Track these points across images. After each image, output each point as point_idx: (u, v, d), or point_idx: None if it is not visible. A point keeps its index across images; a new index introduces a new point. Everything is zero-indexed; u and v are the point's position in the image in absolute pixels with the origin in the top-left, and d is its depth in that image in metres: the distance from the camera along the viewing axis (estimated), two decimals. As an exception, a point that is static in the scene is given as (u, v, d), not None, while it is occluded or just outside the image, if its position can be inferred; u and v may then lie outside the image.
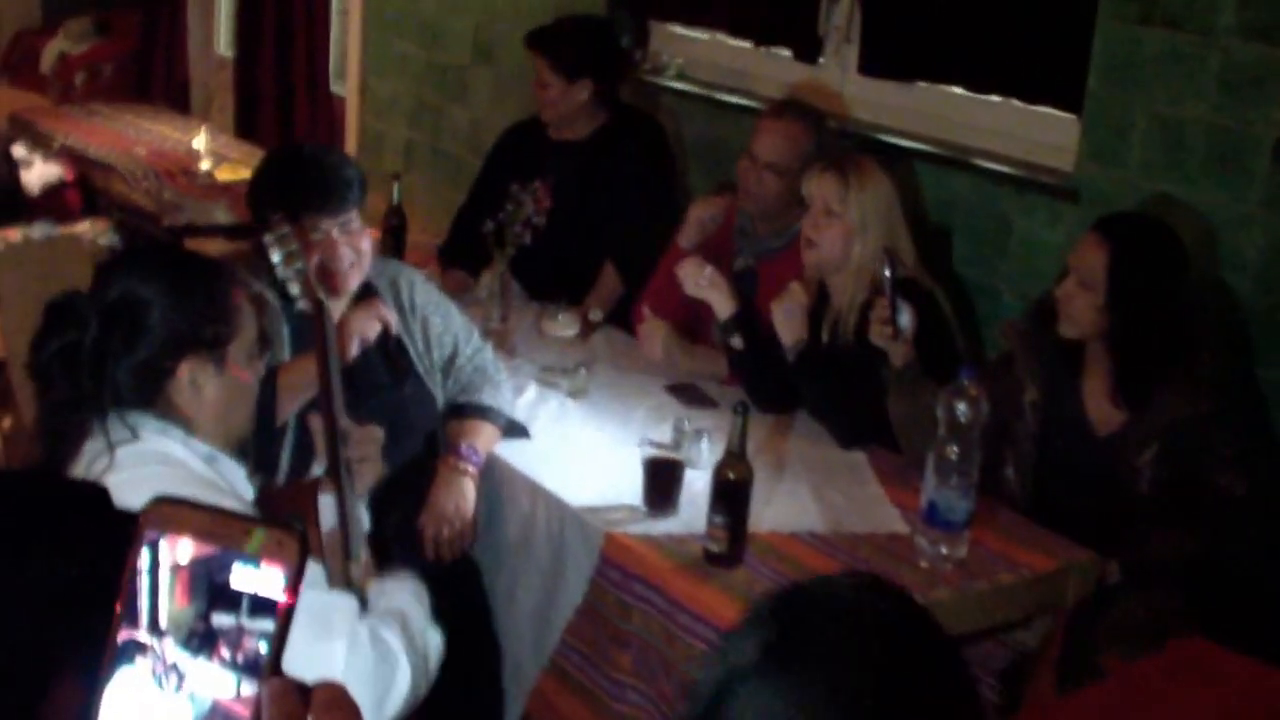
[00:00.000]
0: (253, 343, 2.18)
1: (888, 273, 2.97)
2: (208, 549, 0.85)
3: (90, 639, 0.87)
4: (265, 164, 3.12)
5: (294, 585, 0.83)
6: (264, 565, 0.84)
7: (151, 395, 2.06)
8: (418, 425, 3.14)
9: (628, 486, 2.91)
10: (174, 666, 0.84)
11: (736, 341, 3.34)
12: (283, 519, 0.87)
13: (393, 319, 3.04)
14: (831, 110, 3.98)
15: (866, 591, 1.14)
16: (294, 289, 2.48)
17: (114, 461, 1.97)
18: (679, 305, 3.62)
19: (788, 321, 3.27)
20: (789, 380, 3.29)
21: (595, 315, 3.85)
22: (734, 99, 4.34)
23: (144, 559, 0.86)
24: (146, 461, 1.99)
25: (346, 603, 2.05)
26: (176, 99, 7.49)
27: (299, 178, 2.96)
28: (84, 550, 1.02)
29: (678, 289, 3.53)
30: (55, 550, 1.02)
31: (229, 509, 0.89)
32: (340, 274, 2.96)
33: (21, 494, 1.07)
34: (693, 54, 4.62)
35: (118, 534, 0.87)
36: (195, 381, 2.08)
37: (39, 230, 5.37)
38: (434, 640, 2.18)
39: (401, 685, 2.06)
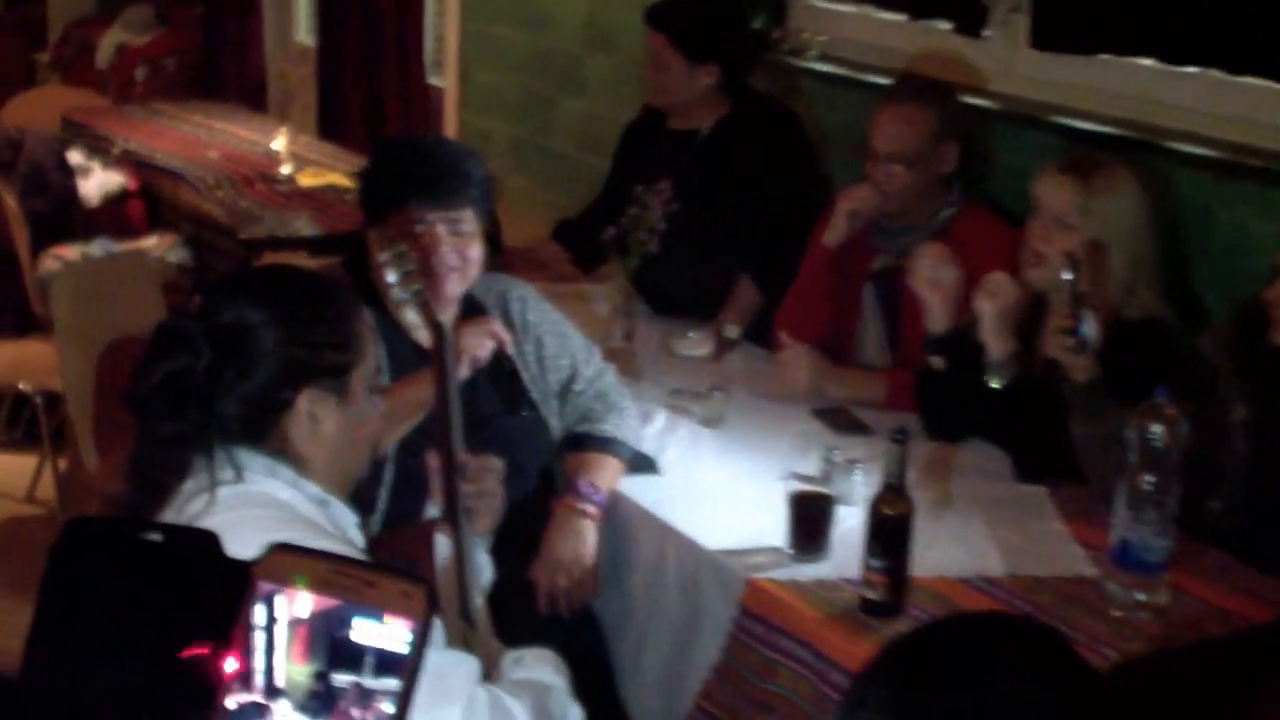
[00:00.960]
0: (373, 373, 2.26)
1: (1067, 276, 2.99)
2: (328, 602, 0.89)
3: (200, 702, 0.92)
4: (379, 150, 3.26)
5: (421, 641, 0.87)
6: (388, 619, 0.88)
7: (264, 430, 2.13)
8: (531, 460, 3.20)
9: (771, 526, 2.95)
10: None
11: (938, 361, 3.35)
12: (404, 568, 0.91)
13: (508, 338, 3.11)
14: (998, 89, 4.01)
15: (1011, 634, 1.16)
16: (410, 314, 2.56)
17: (213, 503, 2.04)
18: (822, 322, 3.67)
19: (999, 327, 3.22)
20: (979, 404, 3.30)
21: (731, 332, 3.91)
22: (885, 80, 4.37)
23: (259, 614, 0.91)
24: (249, 504, 2.05)
25: (465, 664, 2.10)
26: (251, 96, 7.67)
27: (411, 160, 3.08)
28: (193, 604, 1.05)
29: (819, 304, 3.58)
30: (165, 604, 1.06)
31: (350, 558, 0.92)
32: (440, 277, 2.98)
33: (124, 542, 1.11)
34: (838, 31, 4.67)
35: (230, 585, 0.92)
36: (314, 415, 2.15)
37: (99, 247, 5.55)
38: (574, 717, 2.23)
39: None
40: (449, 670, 2.05)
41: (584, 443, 3.24)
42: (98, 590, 1.00)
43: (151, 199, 6.17)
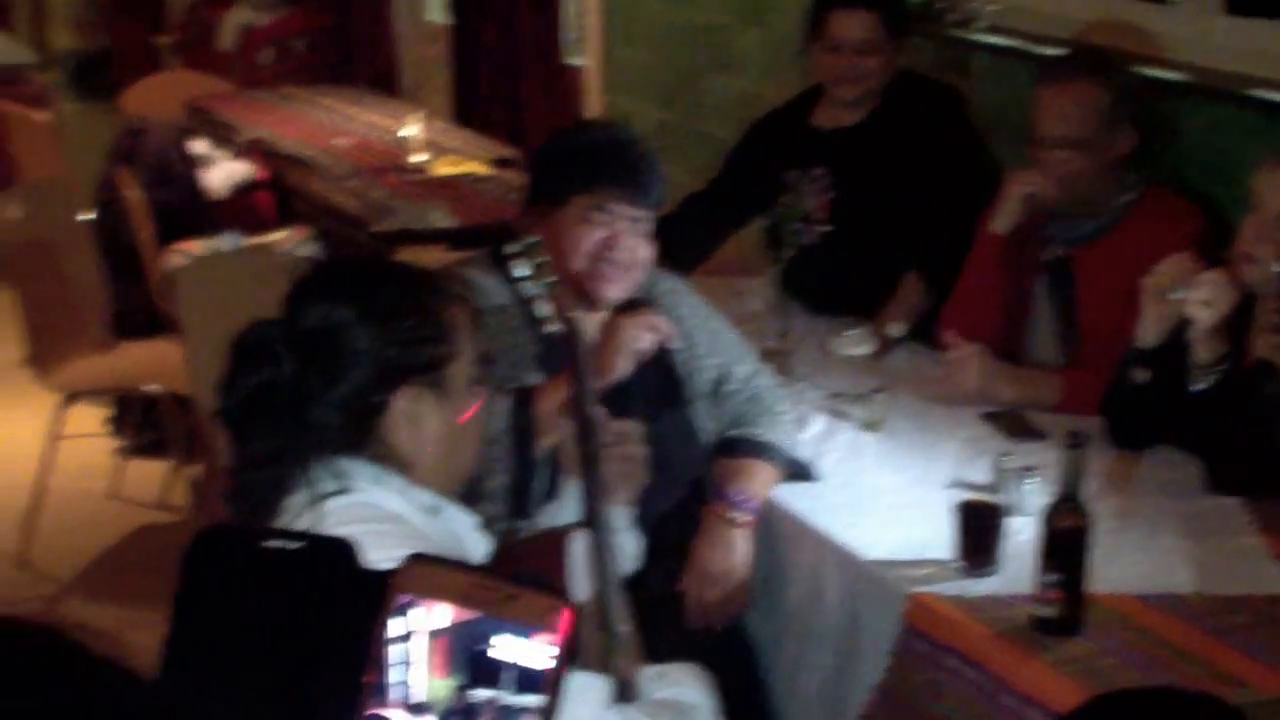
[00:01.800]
0: (474, 364, 2.24)
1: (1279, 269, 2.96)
2: (467, 615, 0.92)
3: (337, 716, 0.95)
4: (565, 130, 3.33)
5: (565, 657, 0.91)
6: (531, 634, 0.91)
7: (363, 436, 2.13)
8: (680, 465, 3.22)
9: (936, 537, 2.97)
10: None
11: (1142, 375, 3.28)
12: (545, 581, 0.93)
13: (670, 330, 3.12)
14: (1186, 60, 3.97)
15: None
16: (542, 308, 2.61)
17: (321, 517, 2.04)
18: (991, 318, 3.67)
19: (1213, 332, 3.13)
20: (1174, 410, 3.26)
21: (895, 330, 3.93)
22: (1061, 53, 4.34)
23: (396, 626, 0.94)
24: (360, 518, 2.05)
25: (593, 687, 2.10)
26: (381, 79, 7.79)
27: (610, 145, 3.14)
28: (328, 615, 1.09)
29: (988, 298, 3.57)
30: (299, 614, 1.09)
31: (490, 569, 0.95)
32: (609, 274, 3.07)
33: (258, 550, 1.15)
34: (1009, 0, 4.65)
35: (366, 597, 0.96)
36: (413, 415, 2.15)
37: (226, 241, 5.70)
38: None
39: None
40: (575, 694, 2.06)
41: (736, 448, 3.26)
42: (230, 600, 1.04)
43: (281, 190, 6.29)
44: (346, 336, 2.11)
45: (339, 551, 1.03)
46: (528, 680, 0.91)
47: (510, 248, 2.63)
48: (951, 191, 4.14)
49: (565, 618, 0.90)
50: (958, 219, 4.00)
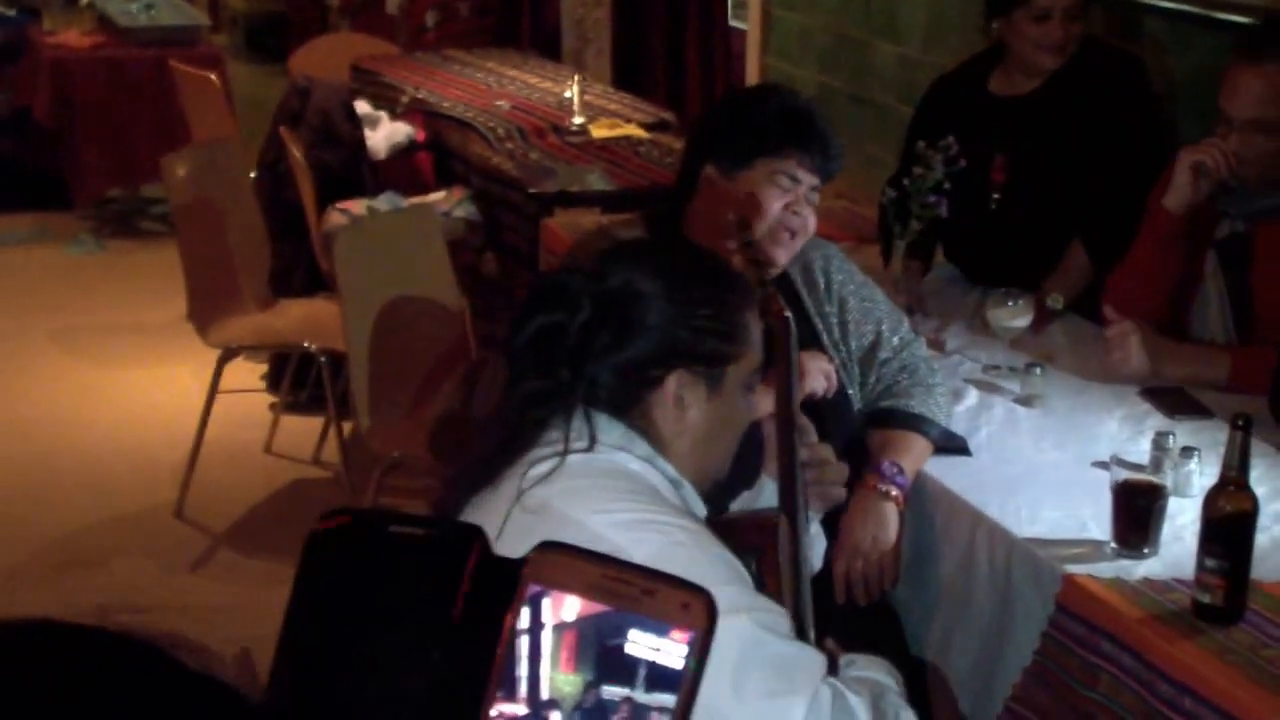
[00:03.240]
0: (753, 371, 2.30)
1: None
2: (599, 607, 0.89)
3: (462, 712, 0.92)
4: (744, 92, 3.34)
5: (701, 655, 0.86)
6: (666, 629, 0.87)
7: (629, 403, 2.20)
8: (832, 434, 3.19)
9: (1094, 517, 2.91)
10: None
11: None
12: (690, 584, 0.89)
13: (835, 382, 3.16)
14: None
15: None
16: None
17: (561, 467, 2.11)
18: (1158, 294, 3.57)
19: None
20: None
21: (1055, 302, 3.83)
22: (1245, 19, 4.20)
23: (524, 617, 0.91)
24: (599, 472, 2.13)
25: (813, 657, 2.11)
26: (545, 42, 7.82)
27: (798, 113, 3.17)
28: (453, 604, 1.06)
29: (1156, 274, 3.47)
30: (424, 604, 1.06)
31: (626, 562, 0.91)
32: (784, 241, 3.11)
33: (382, 537, 1.11)
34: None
35: (497, 586, 0.92)
36: (682, 399, 2.21)
37: (385, 201, 5.73)
38: None
39: None
40: (797, 662, 2.06)
41: (888, 419, 3.22)
42: (351, 589, 1.01)
43: (440, 151, 6.31)
44: (644, 307, 2.18)
45: (471, 537, 0.99)
46: (661, 677, 0.87)
47: (730, 244, 2.66)
48: (1124, 160, 4.03)
49: (701, 613, 0.86)
50: (1128, 191, 3.89)
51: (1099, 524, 2.88)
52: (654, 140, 5.95)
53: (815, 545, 2.62)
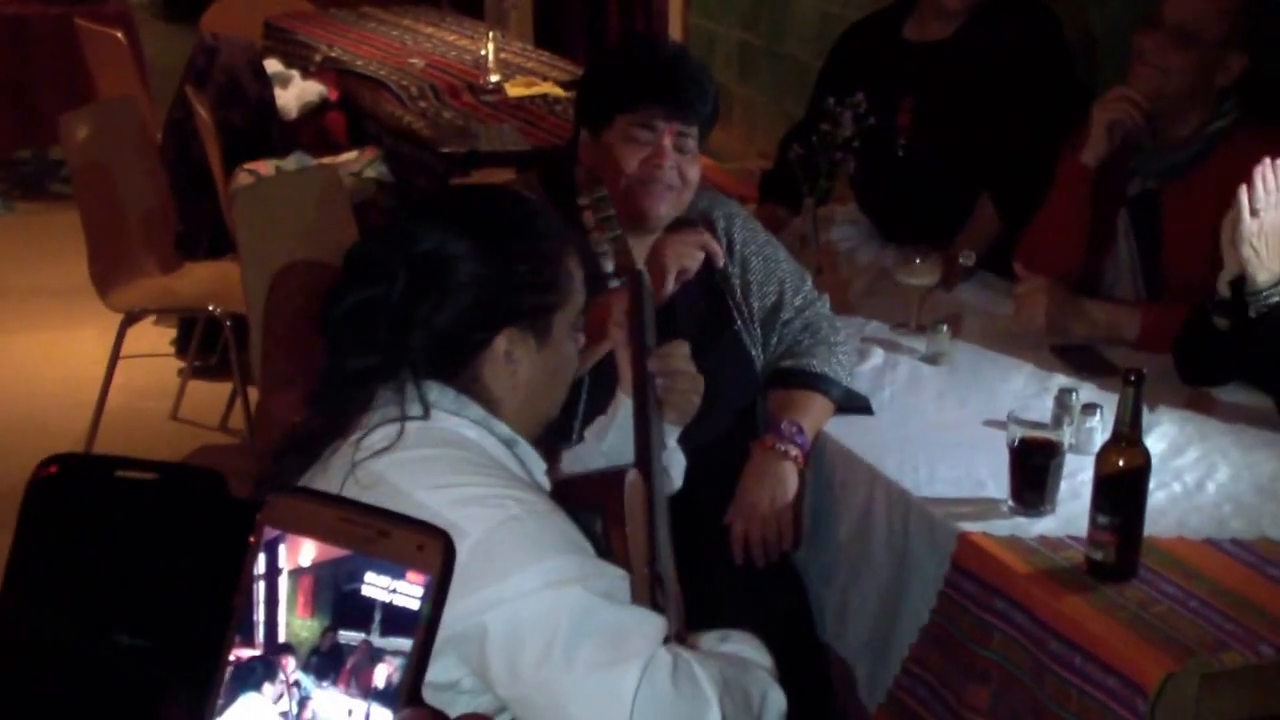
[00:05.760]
0: (578, 314, 2.29)
1: None
2: (337, 551, 0.89)
3: (200, 654, 0.92)
4: (611, 49, 3.34)
5: (437, 597, 0.86)
6: (402, 571, 0.88)
7: (457, 367, 2.17)
8: (730, 394, 3.19)
9: (993, 476, 2.92)
10: (295, 687, 0.88)
11: (1222, 323, 3.18)
12: (430, 526, 0.89)
13: (719, 250, 3.14)
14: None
15: None
16: (607, 264, 2.61)
17: (400, 438, 2.07)
18: (1071, 251, 3.58)
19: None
20: (1246, 342, 3.17)
21: (966, 258, 3.85)
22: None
23: (261, 563, 0.91)
24: (436, 442, 2.09)
25: (649, 622, 2.07)
26: (467, 1, 7.79)
27: (653, 61, 3.15)
28: (192, 550, 1.06)
29: (1069, 231, 3.48)
30: (158, 549, 1.07)
31: (361, 504, 0.92)
32: (655, 193, 3.08)
33: (112, 482, 1.12)
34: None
35: (237, 532, 0.92)
36: (512, 356, 2.19)
37: (294, 162, 5.69)
38: (775, 702, 2.20)
39: None
40: (631, 627, 2.02)
41: (789, 378, 3.23)
42: (77, 526, 1.01)
43: (353, 111, 6.29)
44: (458, 269, 2.14)
45: (206, 483, 0.99)
46: (398, 621, 0.87)
47: (581, 199, 2.61)
48: (1035, 116, 4.05)
49: (437, 555, 0.86)
50: (1036, 146, 3.93)
51: (997, 483, 2.89)
52: (570, 98, 5.93)
53: (673, 461, 2.63)
